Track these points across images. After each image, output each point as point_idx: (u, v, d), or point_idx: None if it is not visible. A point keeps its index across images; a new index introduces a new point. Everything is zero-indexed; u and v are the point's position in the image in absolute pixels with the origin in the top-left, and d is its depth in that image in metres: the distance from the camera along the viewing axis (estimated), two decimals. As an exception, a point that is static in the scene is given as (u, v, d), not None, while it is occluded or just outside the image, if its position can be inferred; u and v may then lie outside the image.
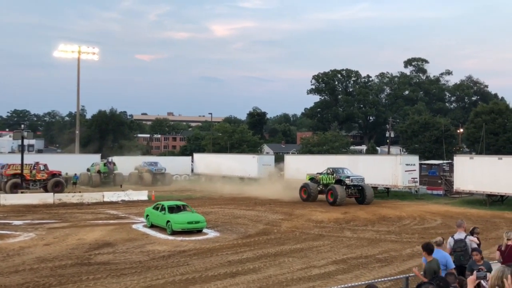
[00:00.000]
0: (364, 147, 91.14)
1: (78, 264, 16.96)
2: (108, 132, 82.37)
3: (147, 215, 25.05)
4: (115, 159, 55.43)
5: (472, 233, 12.16)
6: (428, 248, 8.89)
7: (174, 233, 22.43)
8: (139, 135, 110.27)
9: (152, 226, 24.29)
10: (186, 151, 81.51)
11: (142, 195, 37.97)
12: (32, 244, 20.29)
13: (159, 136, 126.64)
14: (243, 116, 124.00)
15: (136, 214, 28.99)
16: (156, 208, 24.56)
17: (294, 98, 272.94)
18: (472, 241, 11.67)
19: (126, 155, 63.42)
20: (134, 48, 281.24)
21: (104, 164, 51.53)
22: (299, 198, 37.51)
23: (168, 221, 22.96)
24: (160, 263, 17.24)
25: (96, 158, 55.96)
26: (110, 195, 36.82)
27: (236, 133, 76.24)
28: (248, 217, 28.66)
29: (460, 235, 11.63)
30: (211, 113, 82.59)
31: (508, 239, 11.25)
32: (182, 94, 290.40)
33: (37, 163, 43.04)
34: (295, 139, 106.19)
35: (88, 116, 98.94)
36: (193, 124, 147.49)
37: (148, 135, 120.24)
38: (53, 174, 42.98)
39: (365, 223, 26.99)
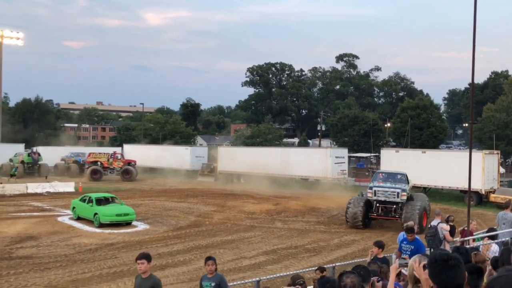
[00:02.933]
0: (296, 140, 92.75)
1: (-2, 258, 16.13)
2: (33, 121, 78.58)
3: (74, 207, 24.21)
4: (40, 149, 53.00)
5: (447, 221, 13.05)
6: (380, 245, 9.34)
7: (102, 225, 21.83)
8: (66, 124, 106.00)
9: (78, 219, 23.50)
10: (116, 142, 79.32)
11: (69, 186, 36.56)
12: None
13: (87, 126, 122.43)
14: (176, 107, 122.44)
15: (62, 206, 27.89)
16: (83, 200, 23.77)
17: (229, 90, 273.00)
18: (442, 228, 12.47)
19: (52, 145, 60.82)
20: (62, 34, 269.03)
21: (28, 154, 49.17)
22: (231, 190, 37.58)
23: (95, 214, 22.29)
24: (86, 256, 16.74)
25: (20, 148, 53.21)
26: (34, 187, 35.16)
27: (168, 124, 75.01)
28: (180, 209, 28.37)
29: (434, 222, 12.89)
30: (142, 103, 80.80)
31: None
32: (113, 83, 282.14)
33: (114, 153, 48.19)
34: (229, 131, 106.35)
35: (12, 104, 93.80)
36: (123, 114, 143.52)
37: (76, 125, 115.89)
38: (128, 163, 47.04)
39: (295, 214, 27.52)
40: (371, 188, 22.87)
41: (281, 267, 15.63)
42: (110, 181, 44.02)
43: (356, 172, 48.92)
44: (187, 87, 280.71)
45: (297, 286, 6.03)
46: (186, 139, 70.81)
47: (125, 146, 62.13)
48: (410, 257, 9.72)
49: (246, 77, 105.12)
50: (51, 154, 51.08)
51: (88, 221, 22.67)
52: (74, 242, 18.97)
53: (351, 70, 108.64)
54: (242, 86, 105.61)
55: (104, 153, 48.58)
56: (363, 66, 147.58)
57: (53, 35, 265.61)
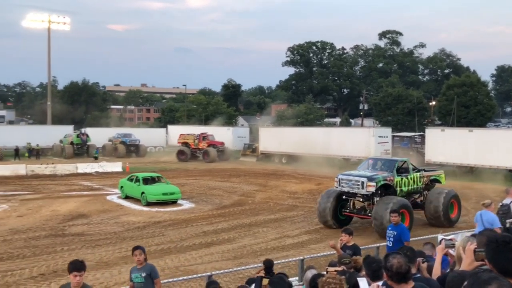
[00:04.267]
0: (338, 120, 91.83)
1: (52, 235, 16.96)
2: (81, 103, 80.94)
3: (122, 187, 25.01)
4: (88, 130, 54.74)
5: None
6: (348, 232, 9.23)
7: (149, 204, 22.51)
8: (112, 106, 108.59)
9: (126, 198, 24.29)
10: (160, 123, 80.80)
11: (116, 166, 37.73)
12: (5, 215, 20.17)
13: (133, 107, 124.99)
14: (217, 88, 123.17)
15: (111, 185, 28.89)
16: (130, 179, 24.52)
17: (269, 70, 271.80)
18: None
19: (99, 126, 62.61)
20: (107, 18, 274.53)
21: (77, 136, 50.92)
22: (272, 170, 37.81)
23: (143, 192, 22.98)
24: (135, 233, 17.35)
25: (69, 129, 55.12)
26: (83, 167, 36.51)
27: (210, 105, 75.79)
28: (223, 188, 28.85)
29: (507, 200, 12.43)
30: (185, 85, 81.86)
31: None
32: (156, 65, 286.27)
33: (201, 134, 48.17)
34: (270, 112, 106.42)
35: (60, 87, 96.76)
36: (167, 96, 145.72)
37: (122, 107, 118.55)
38: (213, 145, 46.99)
39: (338, 194, 27.45)
40: (337, 176, 18.09)
41: (324, 246, 15.74)
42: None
43: (400, 152, 48.12)
44: (228, 68, 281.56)
45: (342, 266, 6.10)
46: (227, 120, 71.36)
47: (169, 127, 63.27)
48: (393, 244, 9.69)
49: (287, 56, 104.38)
50: (98, 135, 52.64)
51: (136, 200, 23.42)
52: (123, 220, 19.68)
53: (395, 47, 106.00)
54: (283, 66, 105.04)
55: (193, 134, 48.63)
56: (407, 43, 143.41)
57: (98, 19, 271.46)
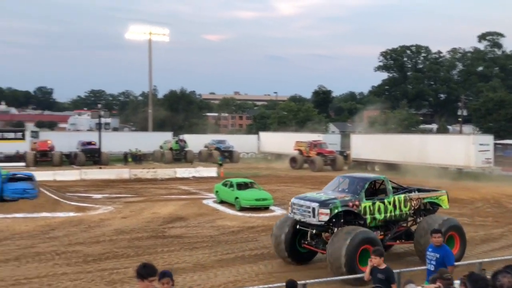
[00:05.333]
0: (434, 126, 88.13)
1: (153, 236, 17.88)
2: (179, 111, 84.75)
3: (217, 191, 25.83)
4: (186, 137, 57.24)
5: None
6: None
7: (242, 209, 23.05)
8: (208, 114, 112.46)
9: (221, 202, 25.06)
10: (252, 130, 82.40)
11: (212, 171, 39.08)
12: (111, 216, 21.56)
13: (227, 115, 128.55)
14: (308, 95, 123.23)
15: (206, 190, 29.92)
16: (225, 184, 25.27)
17: (361, 75, 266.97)
18: None
19: (196, 133, 65.18)
20: (202, 28, 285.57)
21: (176, 142, 53.40)
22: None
23: (236, 198, 23.61)
24: (230, 238, 17.83)
25: (168, 136, 58.05)
26: (181, 171, 38.28)
27: (301, 112, 76.05)
28: (315, 195, 28.76)
29: None
30: (276, 92, 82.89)
31: None
32: (249, 73, 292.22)
33: (312, 142, 47.37)
34: (362, 118, 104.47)
35: (160, 95, 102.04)
36: (259, 103, 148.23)
37: (216, 114, 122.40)
38: (321, 153, 45.94)
39: (434, 204, 26.36)
40: (291, 200, 14.32)
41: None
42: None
43: (503, 160, 45.27)
44: (318, 74, 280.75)
45: (446, 280, 5.83)
46: (318, 126, 71.17)
47: (261, 134, 64.35)
48: (435, 268, 8.28)
49: (379, 61, 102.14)
50: (195, 141, 54.87)
51: (230, 205, 24.09)
52: (218, 224, 20.32)
53: (496, 49, 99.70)
54: (375, 71, 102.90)
55: (306, 142, 48.01)
56: (509, 45, 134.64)
57: (195, 30, 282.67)
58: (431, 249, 8.82)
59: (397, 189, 14.87)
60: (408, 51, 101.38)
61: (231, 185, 24.61)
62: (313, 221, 13.09)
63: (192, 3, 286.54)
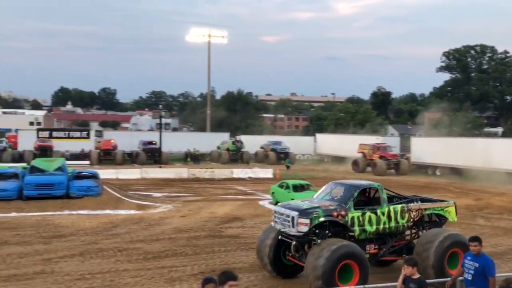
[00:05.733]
0: (500, 129, 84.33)
1: (211, 236, 18.11)
2: (236, 112, 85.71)
3: (273, 193, 25.88)
4: (243, 138, 57.79)
5: None
6: None
7: (298, 211, 22.93)
8: (264, 115, 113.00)
9: (277, 203, 25.02)
10: (309, 131, 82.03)
11: (268, 173, 39.24)
12: (170, 215, 22.05)
13: (283, 116, 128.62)
14: (366, 96, 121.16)
15: (262, 191, 30.04)
16: (281, 186, 25.26)
17: (422, 76, 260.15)
18: None
19: (252, 134, 65.67)
20: (260, 30, 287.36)
21: (233, 143, 54.04)
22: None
23: (292, 199, 23.52)
24: (286, 240, 17.81)
25: (225, 136, 58.84)
26: (238, 172, 38.72)
27: (359, 114, 74.92)
28: (373, 199, 28.25)
29: None
30: (333, 93, 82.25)
31: None
32: (305, 74, 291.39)
33: (375, 145, 46.19)
34: (422, 120, 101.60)
35: (218, 96, 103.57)
36: (315, 105, 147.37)
37: (273, 115, 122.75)
38: (384, 157, 44.55)
39: (500, 211, 25.26)
40: (274, 208, 13.71)
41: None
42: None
43: None
44: (377, 75, 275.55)
45: None
46: (377, 129, 69.87)
47: (318, 136, 63.95)
48: (473, 277, 7.98)
49: (441, 62, 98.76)
50: (251, 142, 55.29)
51: (286, 207, 24.04)
52: (274, 225, 20.35)
53: None
54: (437, 71, 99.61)
55: (369, 145, 46.66)
56: None
57: (252, 31, 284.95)
58: (470, 258, 8.38)
59: (396, 199, 13.69)
60: (472, 51, 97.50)
61: (287, 187, 24.58)
62: (292, 231, 11.87)
63: (250, 5, 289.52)
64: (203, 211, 23.02)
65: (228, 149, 53.10)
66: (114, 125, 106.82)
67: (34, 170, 24.37)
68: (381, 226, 12.46)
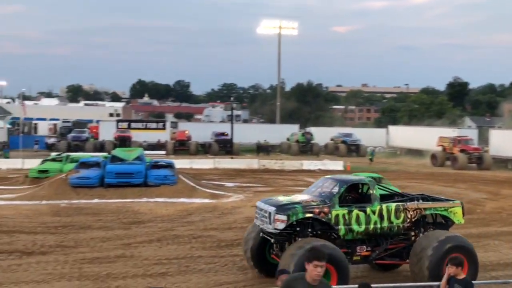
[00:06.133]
0: None
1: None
2: (306, 103, 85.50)
3: (344, 186, 25.66)
4: (312, 129, 57.62)
5: None
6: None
7: (370, 205, 22.65)
8: (334, 106, 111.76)
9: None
10: (381, 123, 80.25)
11: (338, 165, 38.94)
12: (242, 204, 22.48)
13: (354, 107, 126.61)
14: (442, 87, 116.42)
15: (333, 183, 29.84)
16: (352, 179, 25.00)
17: (502, 66, 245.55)
18: None
19: (322, 126, 65.28)
20: (331, 21, 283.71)
21: (302, 134, 54.07)
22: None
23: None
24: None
25: (295, 128, 58.96)
26: (308, 164, 38.74)
27: (434, 105, 72.31)
28: (447, 193, 27.22)
29: None
30: (407, 84, 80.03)
31: None
32: (378, 64, 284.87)
33: (456, 138, 44.26)
34: (502, 112, 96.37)
35: (288, 88, 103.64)
36: (387, 96, 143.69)
37: (343, 107, 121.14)
38: (465, 150, 42.49)
39: None
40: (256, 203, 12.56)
41: None
42: (374, 161, 44.62)
43: None
44: (453, 65, 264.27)
45: None
46: (453, 121, 67.18)
47: (390, 128, 62.49)
48: None
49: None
50: (321, 134, 55.02)
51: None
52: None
53: None
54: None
55: (449, 137, 44.38)
56: None
57: (323, 22, 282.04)
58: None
59: (398, 197, 12.55)
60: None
61: (359, 180, 24.27)
62: (269, 228, 11.12)
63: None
64: (273, 202, 23.28)
65: (297, 141, 53.19)
66: (188, 116, 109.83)
67: (114, 159, 25.66)
68: (371, 226, 11.35)
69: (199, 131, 54.14)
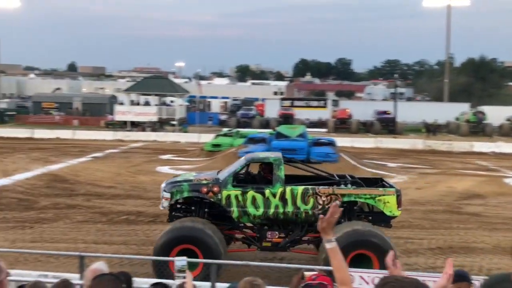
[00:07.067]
0: None
1: (449, 211, 17.58)
2: (477, 80, 78.90)
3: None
4: (485, 108, 53.28)
5: None
6: None
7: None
8: (511, 83, 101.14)
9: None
10: None
11: (515, 148, 35.57)
12: (405, 186, 21.80)
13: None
14: None
15: (508, 167, 27.52)
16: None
17: None
18: None
19: (496, 104, 59.98)
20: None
21: (474, 114, 50.43)
22: None
23: None
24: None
25: (464, 107, 55.20)
26: (479, 146, 36.13)
27: None
28: None
29: None
30: None
31: None
32: None
33: None
34: None
35: (457, 64, 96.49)
36: None
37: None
38: None
39: None
40: None
41: None
42: None
43: None
44: None
45: None
46: None
47: None
48: None
49: None
50: (496, 114, 50.67)
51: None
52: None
53: None
54: None
55: None
56: None
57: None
58: None
59: (324, 179, 11.03)
60: None
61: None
62: (160, 207, 10.74)
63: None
64: (440, 185, 22.34)
65: (468, 121, 49.60)
66: (349, 94, 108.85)
67: (279, 135, 26.90)
68: (272, 210, 10.11)
69: (360, 109, 53.56)
